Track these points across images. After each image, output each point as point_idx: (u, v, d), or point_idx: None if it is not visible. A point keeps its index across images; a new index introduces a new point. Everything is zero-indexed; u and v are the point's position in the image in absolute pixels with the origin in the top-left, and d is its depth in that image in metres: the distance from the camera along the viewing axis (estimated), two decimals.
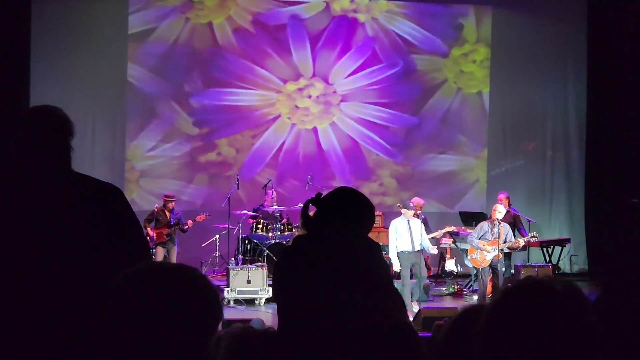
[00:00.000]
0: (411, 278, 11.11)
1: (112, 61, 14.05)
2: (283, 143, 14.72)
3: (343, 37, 14.87)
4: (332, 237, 3.15)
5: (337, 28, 14.85)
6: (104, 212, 2.90)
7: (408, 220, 10.99)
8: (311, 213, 3.36)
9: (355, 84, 14.91)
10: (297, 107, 14.79)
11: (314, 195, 3.40)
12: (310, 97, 14.80)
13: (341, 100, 14.90)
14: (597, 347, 1.48)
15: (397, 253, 11.04)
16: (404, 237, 10.96)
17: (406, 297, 10.89)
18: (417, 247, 10.93)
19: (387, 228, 12.93)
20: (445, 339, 2.18)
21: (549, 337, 1.44)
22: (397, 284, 11.59)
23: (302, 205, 3.39)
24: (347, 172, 14.92)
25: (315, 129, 14.86)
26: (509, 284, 1.56)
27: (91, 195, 2.93)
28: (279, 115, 14.75)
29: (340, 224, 3.20)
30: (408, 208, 11.14)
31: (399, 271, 11.36)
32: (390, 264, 11.01)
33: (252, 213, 13.00)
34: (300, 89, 14.78)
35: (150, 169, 14.34)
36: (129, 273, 1.63)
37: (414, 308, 10.66)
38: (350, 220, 3.21)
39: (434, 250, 11.50)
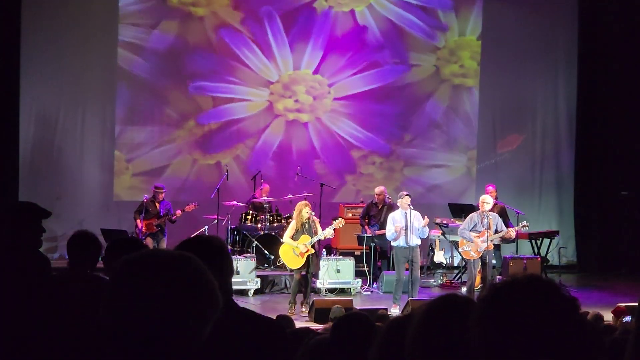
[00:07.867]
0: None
1: (102, 49, 13.91)
2: (273, 134, 14.68)
3: (332, 30, 14.81)
4: None
5: (325, 21, 14.80)
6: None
7: (406, 214, 10.72)
8: None
9: (345, 78, 14.87)
10: (287, 99, 14.73)
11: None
12: (301, 90, 14.75)
13: (333, 98, 14.86)
14: (588, 345, 1.48)
15: (393, 247, 10.93)
16: (400, 231, 10.74)
17: (397, 291, 10.77)
18: (412, 243, 10.62)
19: None
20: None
21: (537, 336, 1.44)
22: (391, 276, 11.54)
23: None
24: (335, 164, 14.89)
25: (305, 122, 14.82)
26: (495, 284, 1.56)
27: (253, 334, 2.82)
28: (270, 107, 14.69)
29: None
30: (402, 198, 10.87)
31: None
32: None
33: (242, 204, 12.99)
34: (289, 83, 14.73)
35: (139, 160, 14.23)
36: (128, 259, 1.62)
37: (394, 310, 10.34)
38: None
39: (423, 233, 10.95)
